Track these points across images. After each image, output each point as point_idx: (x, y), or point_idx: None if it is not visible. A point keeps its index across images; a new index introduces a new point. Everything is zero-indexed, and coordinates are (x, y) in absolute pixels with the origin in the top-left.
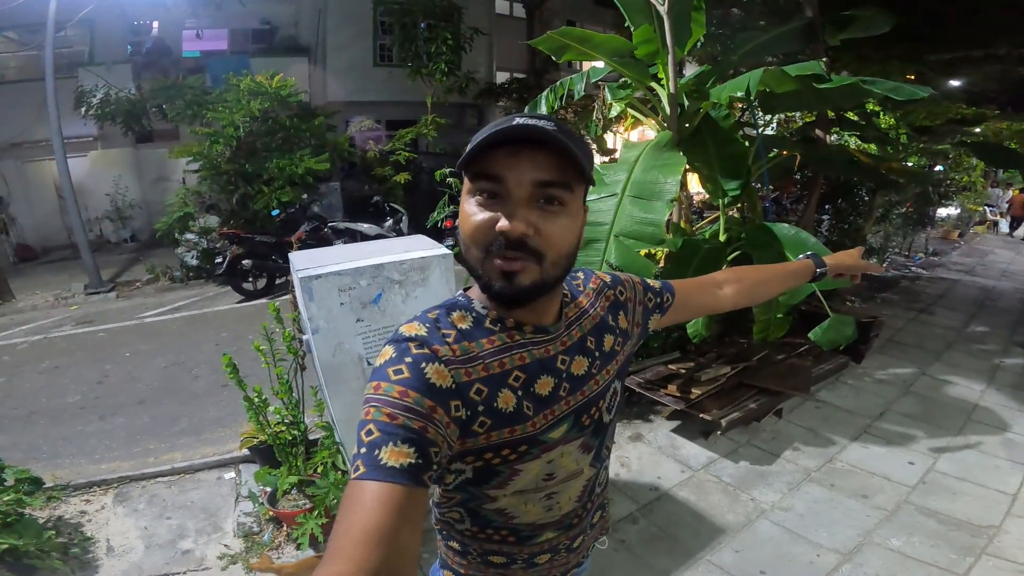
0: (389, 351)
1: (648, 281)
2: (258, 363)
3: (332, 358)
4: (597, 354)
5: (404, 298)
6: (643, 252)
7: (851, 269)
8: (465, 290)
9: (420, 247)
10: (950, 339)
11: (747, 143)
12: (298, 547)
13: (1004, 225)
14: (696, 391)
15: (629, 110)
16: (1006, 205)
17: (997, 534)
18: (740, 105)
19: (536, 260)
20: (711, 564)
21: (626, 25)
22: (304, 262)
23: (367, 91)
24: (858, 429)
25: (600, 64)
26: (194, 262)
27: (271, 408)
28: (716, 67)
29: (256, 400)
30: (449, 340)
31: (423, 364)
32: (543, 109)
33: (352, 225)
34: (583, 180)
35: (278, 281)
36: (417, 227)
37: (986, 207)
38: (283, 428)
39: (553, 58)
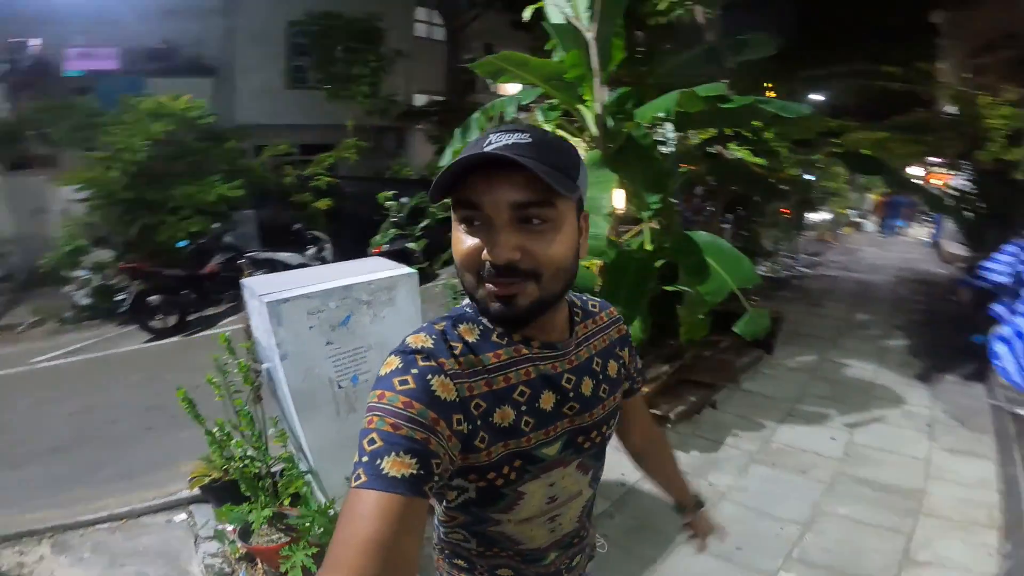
0: (395, 361)
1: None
2: (198, 403)
3: (303, 383)
4: (602, 377)
5: (372, 319)
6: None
7: (701, 527)
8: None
9: (382, 268)
10: (841, 328)
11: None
12: None
13: (868, 226)
14: (644, 389)
15: (558, 131)
16: (871, 207)
17: (924, 496)
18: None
19: (533, 279)
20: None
21: (546, 48)
22: (265, 287)
23: (280, 114)
24: (783, 413)
25: (516, 88)
26: (87, 301)
27: (233, 441)
28: (634, 89)
29: (218, 434)
30: (455, 353)
31: (429, 376)
32: (475, 131)
33: (272, 255)
34: (566, 194)
35: (192, 317)
36: (343, 254)
37: (851, 210)
38: (248, 461)
39: (481, 80)
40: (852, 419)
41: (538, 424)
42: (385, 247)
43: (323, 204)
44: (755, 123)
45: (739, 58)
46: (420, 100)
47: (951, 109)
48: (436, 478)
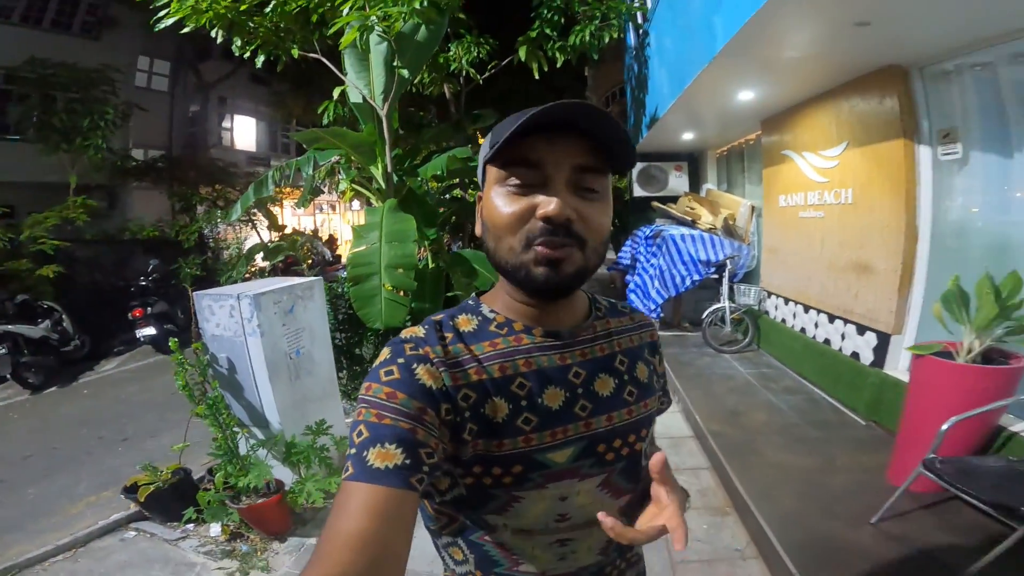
0: (386, 352)
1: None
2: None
3: (271, 354)
4: (627, 378)
5: (304, 309)
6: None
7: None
8: (478, 295)
9: (288, 280)
10: None
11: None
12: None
13: None
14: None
15: (353, 185)
16: None
17: None
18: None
19: (579, 246)
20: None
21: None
22: (230, 292)
23: None
24: None
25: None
26: None
27: (222, 417)
28: (408, 151)
29: (215, 418)
30: (446, 342)
31: (414, 365)
32: (270, 187)
33: (11, 328)
34: (614, 166)
35: None
36: (85, 325)
37: None
38: (231, 434)
39: (206, 135)
40: None
41: (542, 424)
42: (147, 310)
43: (48, 271)
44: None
45: (474, 126)
46: (137, 154)
47: None
48: (426, 468)
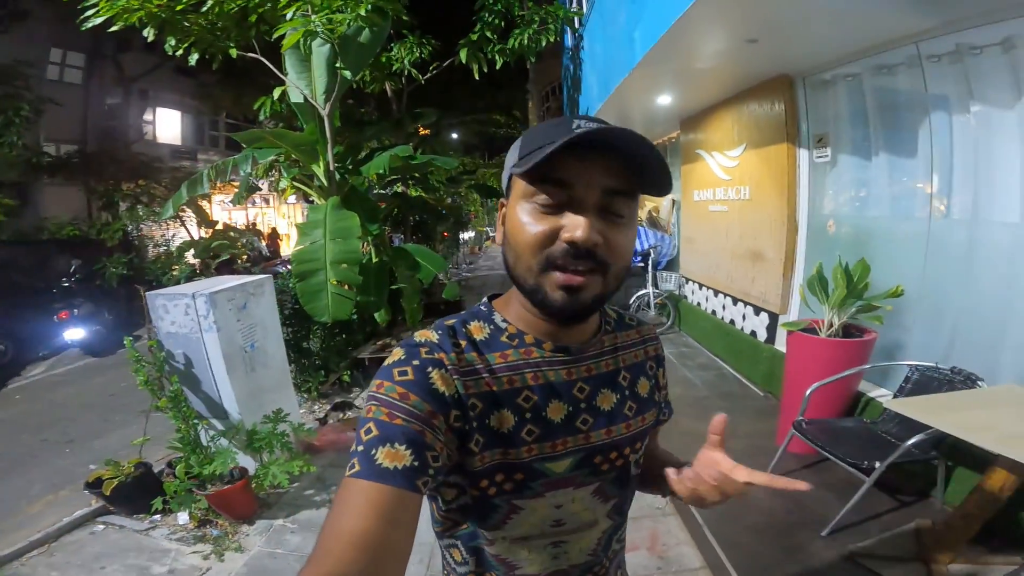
0: (399, 352)
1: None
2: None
3: (228, 348)
4: (628, 394)
5: (256, 305)
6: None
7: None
8: (490, 299)
9: (237, 279)
10: None
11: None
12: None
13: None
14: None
15: (293, 182)
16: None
17: None
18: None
19: (601, 271)
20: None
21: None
22: (185, 291)
23: None
24: None
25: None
26: None
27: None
28: (349, 149)
29: (177, 410)
30: (460, 349)
31: (429, 369)
32: (206, 185)
33: None
34: (648, 191)
35: None
36: (6, 328)
37: (488, 228)
38: (195, 424)
39: (124, 129)
40: None
41: (543, 436)
42: (73, 312)
43: None
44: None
45: (415, 124)
46: (49, 150)
47: None
48: (431, 472)
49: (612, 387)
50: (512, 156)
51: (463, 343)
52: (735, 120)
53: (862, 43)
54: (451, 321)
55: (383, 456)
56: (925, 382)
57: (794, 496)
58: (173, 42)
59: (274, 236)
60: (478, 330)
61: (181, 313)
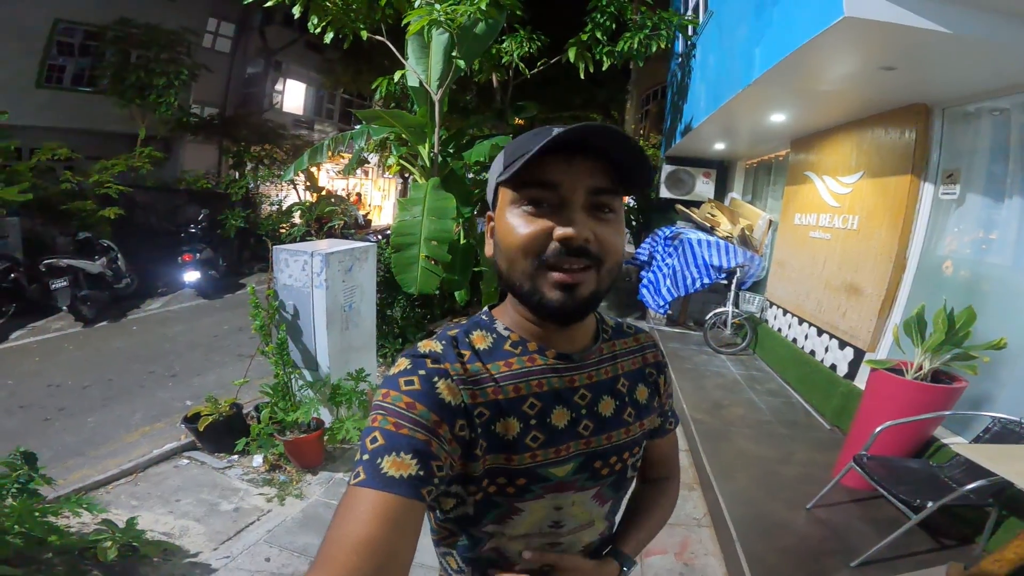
0: (404, 363)
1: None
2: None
3: (331, 305)
4: (628, 400)
5: (360, 269)
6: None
7: None
8: (490, 308)
9: (347, 243)
10: None
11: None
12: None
13: None
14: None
15: (400, 160)
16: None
17: None
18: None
19: (595, 267)
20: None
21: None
22: (305, 248)
23: (31, 115)
24: None
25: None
26: None
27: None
28: (455, 134)
29: (280, 357)
30: (464, 359)
31: (435, 379)
32: (324, 155)
33: (74, 262)
34: (630, 187)
35: None
36: (137, 263)
37: None
38: (290, 373)
39: (260, 98)
40: None
41: (548, 441)
42: (195, 256)
43: (111, 213)
44: None
45: (518, 117)
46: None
47: None
48: (436, 481)
49: (612, 394)
50: (496, 168)
51: (466, 353)
52: (855, 145)
53: (1015, 78)
54: (454, 331)
55: (388, 465)
56: (1005, 435)
57: (833, 525)
58: (315, 20)
59: (356, 200)
60: (481, 339)
61: (299, 268)
